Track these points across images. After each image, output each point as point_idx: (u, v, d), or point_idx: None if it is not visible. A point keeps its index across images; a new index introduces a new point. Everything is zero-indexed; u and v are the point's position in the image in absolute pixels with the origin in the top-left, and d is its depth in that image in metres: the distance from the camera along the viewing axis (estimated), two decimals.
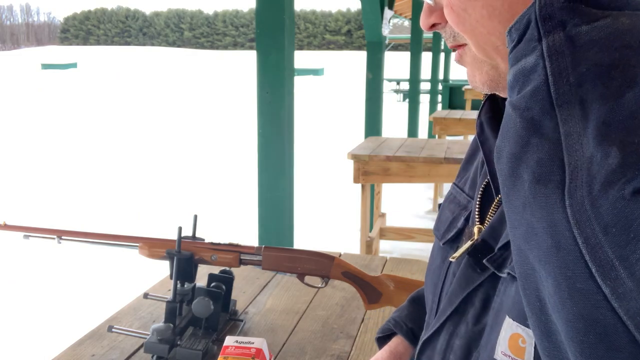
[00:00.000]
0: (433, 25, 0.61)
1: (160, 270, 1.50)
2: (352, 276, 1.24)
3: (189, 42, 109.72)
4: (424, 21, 0.61)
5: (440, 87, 11.15)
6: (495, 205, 0.64)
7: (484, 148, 0.66)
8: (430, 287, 0.76)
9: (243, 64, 47.94)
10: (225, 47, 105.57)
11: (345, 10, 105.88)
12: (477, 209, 0.67)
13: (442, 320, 0.66)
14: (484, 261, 0.59)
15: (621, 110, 0.39)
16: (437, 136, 6.04)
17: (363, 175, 3.42)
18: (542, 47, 0.43)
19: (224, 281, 1.33)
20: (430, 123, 7.23)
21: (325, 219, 5.40)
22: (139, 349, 1.24)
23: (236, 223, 5.16)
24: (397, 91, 21.34)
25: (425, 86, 10.77)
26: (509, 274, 0.56)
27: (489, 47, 0.54)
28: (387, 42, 5.68)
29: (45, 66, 43.70)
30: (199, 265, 1.27)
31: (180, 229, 1.23)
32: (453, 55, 0.63)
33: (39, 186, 6.99)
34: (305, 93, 21.21)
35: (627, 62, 0.40)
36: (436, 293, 0.72)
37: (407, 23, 15.09)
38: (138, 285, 1.73)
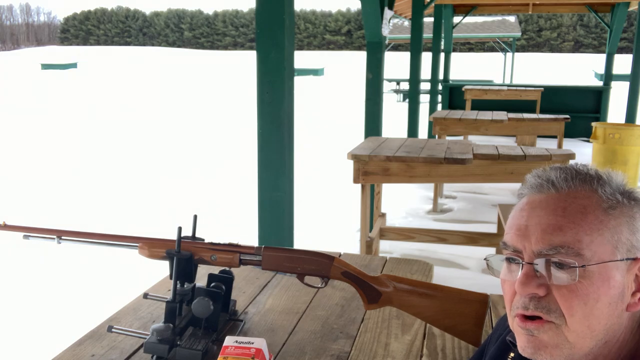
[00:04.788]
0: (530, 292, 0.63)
1: (160, 270, 1.50)
2: (351, 276, 1.23)
3: (189, 42, 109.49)
4: (524, 288, 0.61)
5: (440, 87, 11.12)
6: None
7: None
8: None
9: (243, 64, 47.91)
10: (225, 47, 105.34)
11: (345, 10, 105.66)
12: None
13: None
14: None
15: None
16: (437, 136, 6.04)
17: (363, 176, 3.42)
18: None
19: (224, 281, 1.33)
20: (430, 123, 7.22)
21: (325, 219, 5.40)
22: (138, 349, 1.24)
23: (236, 223, 5.16)
24: (397, 91, 21.31)
25: (425, 86, 10.76)
26: None
27: (590, 336, 0.61)
28: (387, 42, 5.68)
29: (45, 66, 43.63)
30: (199, 265, 1.27)
31: (180, 229, 1.22)
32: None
33: (39, 186, 6.98)
34: (305, 93, 21.20)
35: None
36: None
37: (407, 23, 15.08)
38: (138, 285, 1.73)
